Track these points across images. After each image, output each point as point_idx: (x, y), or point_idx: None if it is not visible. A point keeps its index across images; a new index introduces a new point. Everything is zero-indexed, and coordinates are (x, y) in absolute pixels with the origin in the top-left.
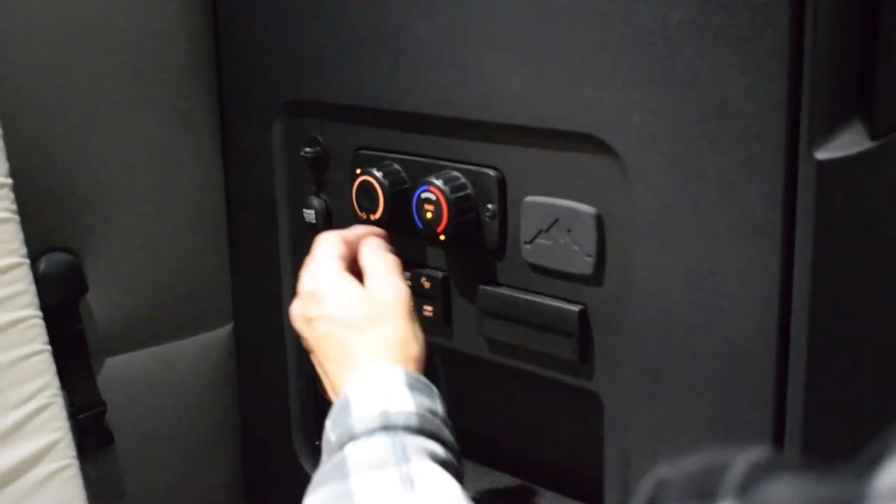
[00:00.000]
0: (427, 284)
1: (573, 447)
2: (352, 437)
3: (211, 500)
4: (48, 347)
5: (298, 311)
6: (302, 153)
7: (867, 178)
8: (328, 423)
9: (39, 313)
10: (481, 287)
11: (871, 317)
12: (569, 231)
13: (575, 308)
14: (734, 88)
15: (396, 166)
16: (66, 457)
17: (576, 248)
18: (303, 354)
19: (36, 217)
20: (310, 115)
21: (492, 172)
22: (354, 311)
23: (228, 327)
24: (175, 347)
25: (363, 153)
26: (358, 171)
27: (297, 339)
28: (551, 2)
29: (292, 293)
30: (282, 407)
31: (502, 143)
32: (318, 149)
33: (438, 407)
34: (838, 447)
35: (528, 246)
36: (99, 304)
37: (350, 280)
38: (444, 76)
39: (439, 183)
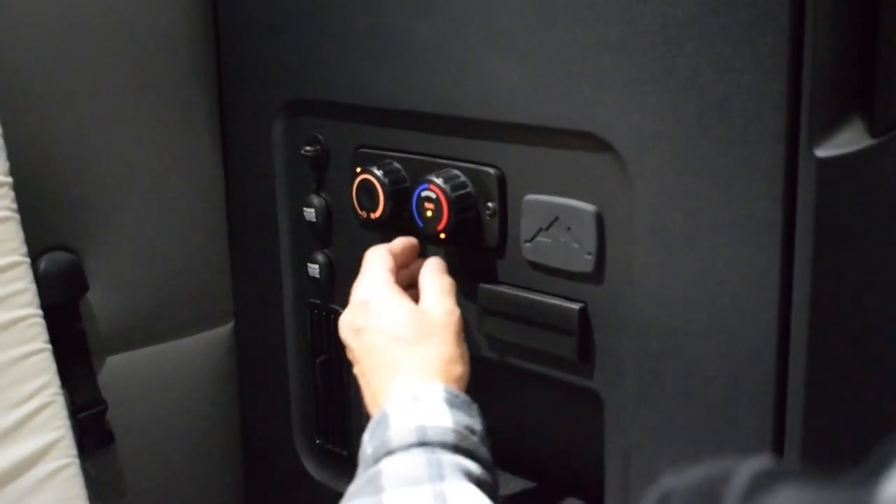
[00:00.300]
0: None
1: (573, 445)
2: (388, 451)
3: (211, 498)
4: (49, 346)
5: (348, 321)
6: (302, 152)
7: (867, 176)
8: (365, 436)
9: (40, 312)
10: (481, 285)
11: (871, 316)
12: (569, 229)
13: (575, 306)
14: (734, 86)
15: (396, 165)
16: (66, 455)
17: (576, 246)
18: (304, 353)
19: (36, 216)
20: (310, 113)
21: (492, 171)
22: (405, 326)
23: (229, 326)
24: (175, 346)
25: (363, 152)
26: (358, 169)
27: (297, 338)
28: (551, 0)
29: (293, 292)
30: (282, 405)
31: (502, 141)
32: (318, 147)
33: (477, 424)
34: (839, 446)
35: (528, 244)
36: (99, 302)
37: (402, 295)
38: (444, 75)
39: (439, 181)
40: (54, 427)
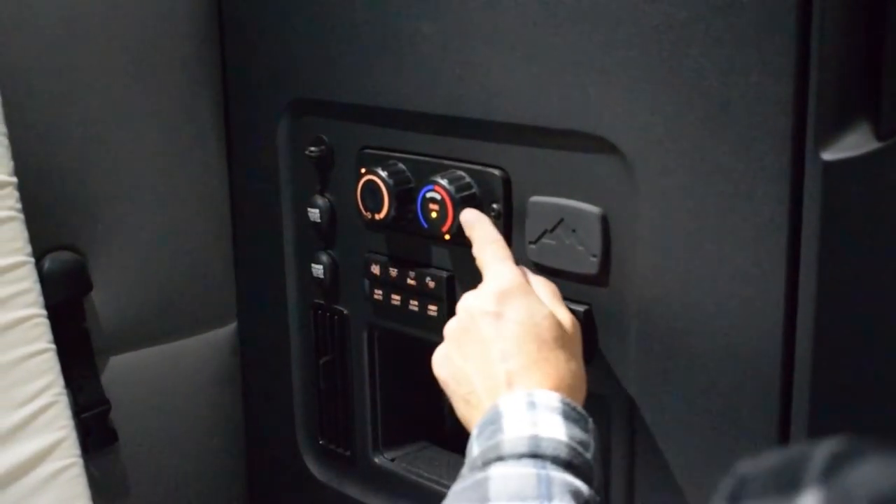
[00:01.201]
0: (432, 284)
1: None
2: (498, 458)
3: (214, 498)
4: (52, 346)
5: (483, 306)
6: (307, 152)
7: (873, 179)
8: (474, 431)
9: (44, 312)
10: None
11: (877, 317)
12: (574, 231)
13: (580, 308)
14: (740, 89)
15: (401, 166)
16: (70, 455)
17: (581, 248)
18: (307, 354)
19: (40, 216)
20: (315, 114)
21: (497, 172)
22: (549, 328)
23: (232, 326)
24: (179, 346)
25: (368, 152)
26: (363, 170)
27: (301, 339)
28: (557, 1)
29: (296, 292)
30: (286, 406)
31: (507, 142)
32: (322, 148)
33: (591, 439)
34: None
35: (532, 246)
36: (103, 302)
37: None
38: (449, 75)
39: (444, 182)
40: (58, 427)
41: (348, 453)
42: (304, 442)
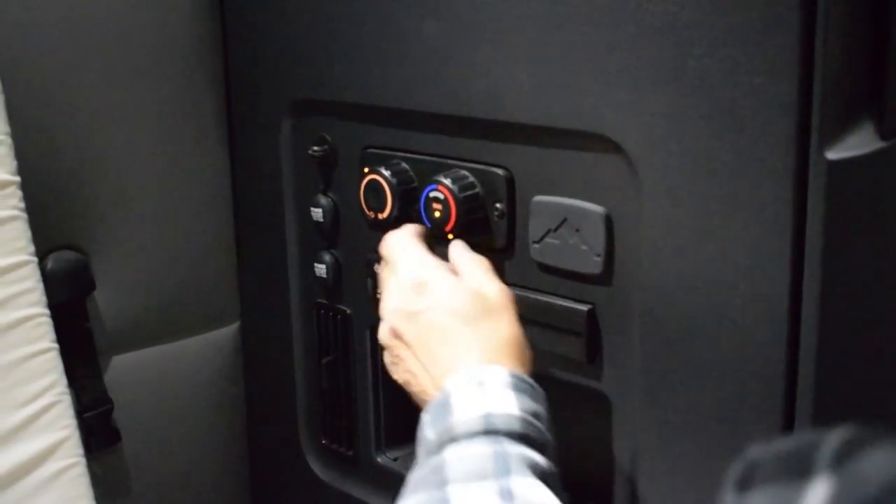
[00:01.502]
0: None
1: (581, 447)
2: (452, 439)
3: (217, 498)
4: (55, 345)
5: (399, 307)
6: (310, 152)
7: (878, 179)
8: (426, 418)
9: (47, 311)
10: None
11: (881, 317)
12: (577, 231)
13: (584, 308)
14: (744, 88)
15: (405, 165)
16: (73, 455)
17: (584, 247)
18: (310, 354)
19: (43, 215)
20: (318, 113)
21: (500, 171)
22: (466, 304)
23: (235, 325)
24: (182, 346)
25: (371, 152)
26: (366, 169)
27: (304, 339)
28: (560, 1)
29: (299, 292)
30: (288, 406)
31: (511, 142)
32: (325, 147)
33: (542, 408)
34: None
35: (536, 245)
36: (106, 302)
37: (454, 274)
38: (452, 75)
39: (448, 182)
40: (61, 426)
41: (351, 453)
42: (307, 442)
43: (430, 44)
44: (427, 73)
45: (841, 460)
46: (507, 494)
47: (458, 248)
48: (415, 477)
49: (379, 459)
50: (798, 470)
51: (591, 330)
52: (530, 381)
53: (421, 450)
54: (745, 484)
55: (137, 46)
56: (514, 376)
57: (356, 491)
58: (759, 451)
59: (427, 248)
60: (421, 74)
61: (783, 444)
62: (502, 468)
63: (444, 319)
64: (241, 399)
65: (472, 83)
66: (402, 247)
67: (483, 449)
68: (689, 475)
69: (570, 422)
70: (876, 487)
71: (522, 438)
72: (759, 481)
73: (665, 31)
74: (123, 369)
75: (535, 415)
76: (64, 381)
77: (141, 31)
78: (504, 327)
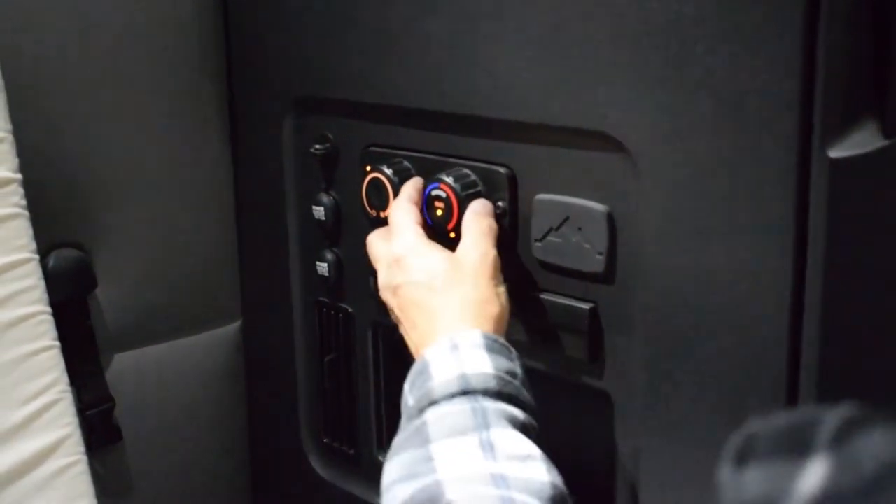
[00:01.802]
0: None
1: (582, 446)
2: (432, 402)
3: (218, 496)
4: (57, 343)
5: (385, 281)
6: (312, 150)
7: (880, 177)
8: (406, 387)
9: (48, 309)
10: None
11: (883, 315)
12: (580, 229)
13: (586, 306)
14: (747, 86)
15: (406, 163)
16: (74, 453)
17: (587, 245)
18: (312, 352)
19: (45, 213)
20: (320, 111)
21: (502, 170)
22: (438, 275)
23: (237, 324)
24: (184, 344)
25: (373, 150)
26: (368, 168)
27: (306, 337)
28: None
29: (301, 290)
30: (290, 404)
31: (513, 140)
32: (327, 145)
33: (517, 367)
34: None
35: (538, 244)
36: (108, 300)
37: (433, 246)
38: (454, 73)
39: (450, 180)
40: (62, 424)
41: (352, 452)
42: (309, 440)
43: (432, 42)
44: (429, 71)
45: (840, 439)
46: (487, 446)
47: (469, 212)
48: (397, 440)
49: (381, 458)
50: (797, 448)
51: (593, 328)
52: (504, 342)
53: (403, 417)
54: (742, 458)
55: (140, 44)
56: (486, 338)
57: (358, 489)
58: (758, 425)
59: (420, 220)
60: (423, 73)
61: (783, 420)
62: (481, 422)
63: (417, 292)
64: (242, 397)
65: (474, 81)
66: (396, 219)
67: (461, 407)
68: (691, 473)
69: (572, 420)
70: (872, 469)
71: (499, 395)
72: (757, 457)
73: (668, 29)
74: (125, 367)
75: (511, 373)
76: (65, 378)
77: (143, 28)
78: (470, 290)
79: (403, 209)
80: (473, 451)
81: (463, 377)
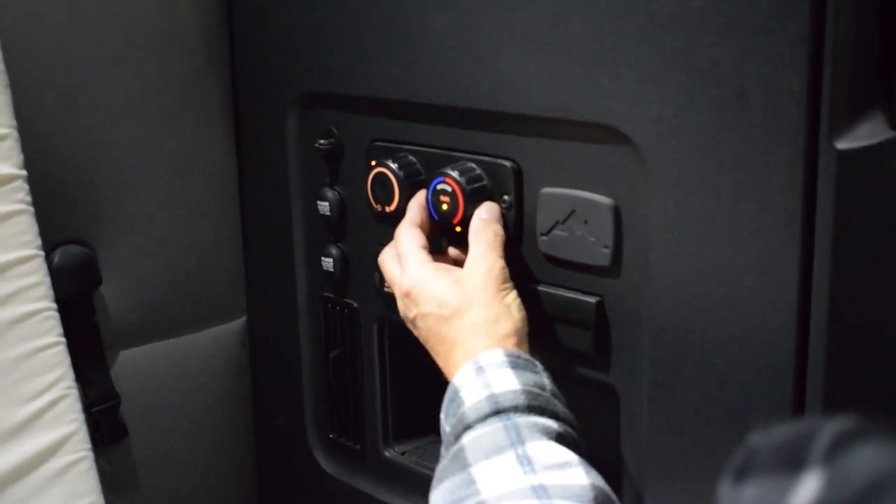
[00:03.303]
0: None
1: (588, 439)
2: (466, 427)
3: (224, 492)
4: (62, 340)
5: (402, 314)
6: (316, 145)
7: (888, 168)
8: (441, 416)
9: (54, 306)
10: None
11: (892, 308)
12: (585, 222)
13: (592, 300)
14: (754, 78)
15: (412, 158)
16: (80, 449)
17: (593, 239)
18: (317, 347)
19: (50, 209)
20: (324, 106)
21: (508, 163)
22: (445, 304)
23: (242, 320)
24: (189, 340)
25: (378, 145)
26: (373, 162)
27: (311, 332)
28: None
29: (306, 285)
30: (295, 400)
31: (518, 133)
32: (332, 140)
33: (545, 379)
34: None
35: (544, 237)
36: (113, 296)
37: (439, 271)
38: (459, 67)
39: (455, 174)
40: (68, 421)
41: (358, 447)
42: (314, 436)
43: (437, 36)
44: (434, 65)
45: (833, 454)
46: (524, 460)
47: (476, 219)
48: (439, 468)
49: (387, 453)
50: (792, 462)
51: (599, 322)
52: (526, 356)
53: (443, 446)
54: (741, 474)
55: (144, 39)
56: (509, 355)
57: (364, 485)
58: (759, 438)
59: (426, 243)
60: (428, 67)
61: (781, 433)
62: (515, 438)
63: (431, 323)
64: (248, 393)
65: (479, 75)
66: (402, 247)
67: (494, 426)
68: (697, 468)
69: (578, 414)
70: (862, 483)
71: (529, 409)
72: (754, 472)
73: (674, 21)
74: (130, 364)
75: (539, 386)
76: (71, 375)
77: (147, 23)
78: (478, 312)
79: (407, 235)
80: (512, 467)
81: (492, 397)
